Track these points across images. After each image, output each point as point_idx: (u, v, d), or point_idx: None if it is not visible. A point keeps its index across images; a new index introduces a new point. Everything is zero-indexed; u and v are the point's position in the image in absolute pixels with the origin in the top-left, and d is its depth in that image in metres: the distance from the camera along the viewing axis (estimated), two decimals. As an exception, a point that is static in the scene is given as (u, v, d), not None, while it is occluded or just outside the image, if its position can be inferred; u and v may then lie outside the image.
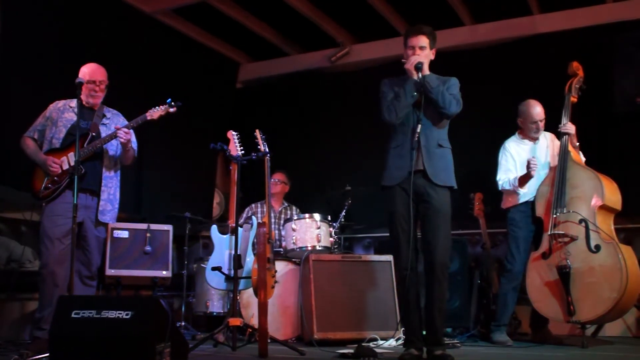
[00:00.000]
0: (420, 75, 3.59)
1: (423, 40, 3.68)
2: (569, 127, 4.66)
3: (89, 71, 4.18)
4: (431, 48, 3.73)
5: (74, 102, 4.20)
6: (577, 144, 4.71)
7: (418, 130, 3.55)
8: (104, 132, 4.22)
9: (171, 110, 4.24)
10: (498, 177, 4.86)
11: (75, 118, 4.08)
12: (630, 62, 5.65)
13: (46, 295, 3.95)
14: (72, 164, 3.99)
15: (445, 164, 3.65)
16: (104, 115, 4.29)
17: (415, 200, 3.60)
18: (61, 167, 4.04)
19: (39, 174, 4.08)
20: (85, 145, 4.09)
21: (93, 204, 4.13)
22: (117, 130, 4.08)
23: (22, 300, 4.97)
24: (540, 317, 4.69)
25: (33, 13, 4.97)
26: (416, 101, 3.61)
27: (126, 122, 4.37)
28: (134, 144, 4.28)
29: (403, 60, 3.71)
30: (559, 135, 4.71)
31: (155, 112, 4.21)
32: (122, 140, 4.10)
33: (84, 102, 4.15)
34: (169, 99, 4.24)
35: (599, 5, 5.93)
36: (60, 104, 4.25)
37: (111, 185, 4.22)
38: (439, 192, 3.59)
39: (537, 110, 4.80)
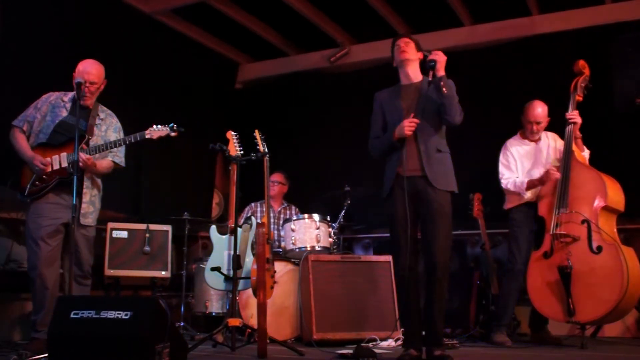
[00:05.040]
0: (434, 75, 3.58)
1: (406, 40, 3.79)
2: (576, 116, 4.61)
3: (81, 70, 4.05)
4: (417, 50, 3.79)
5: (67, 96, 4.14)
6: (580, 135, 4.67)
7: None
8: (96, 133, 4.12)
9: (172, 134, 4.09)
10: (501, 175, 4.83)
11: (65, 114, 4.03)
12: (630, 63, 5.63)
13: (37, 299, 3.86)
14: (64, 164, 3.91)
15: (445, 168, 3.68)
16: (98, 115, 4.17)
17: (416, 201, 3.62)
18: (51, 166, 3.92)
19: (27, 170, 3.97)
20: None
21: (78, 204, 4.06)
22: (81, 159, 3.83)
23: (21, 300, 4.96)
24: (539, 317, 4.68)
25: (32, 12, 4.96)
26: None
27: (119, 125, 4.28)
28: (120, 152, 4.19)
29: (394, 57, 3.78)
30: (564, 124, 4.65)
31: (155, 132, 4.06)
32: (81, 165, 3.84)
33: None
34: (172, 123, 4.10)
35: (598, 6, 5.93)
36: (52, 96, 4.14)
37: (94, 186, 4.11)
38: (439, 194, 3.60)
39: (535, 111, 4.77)
